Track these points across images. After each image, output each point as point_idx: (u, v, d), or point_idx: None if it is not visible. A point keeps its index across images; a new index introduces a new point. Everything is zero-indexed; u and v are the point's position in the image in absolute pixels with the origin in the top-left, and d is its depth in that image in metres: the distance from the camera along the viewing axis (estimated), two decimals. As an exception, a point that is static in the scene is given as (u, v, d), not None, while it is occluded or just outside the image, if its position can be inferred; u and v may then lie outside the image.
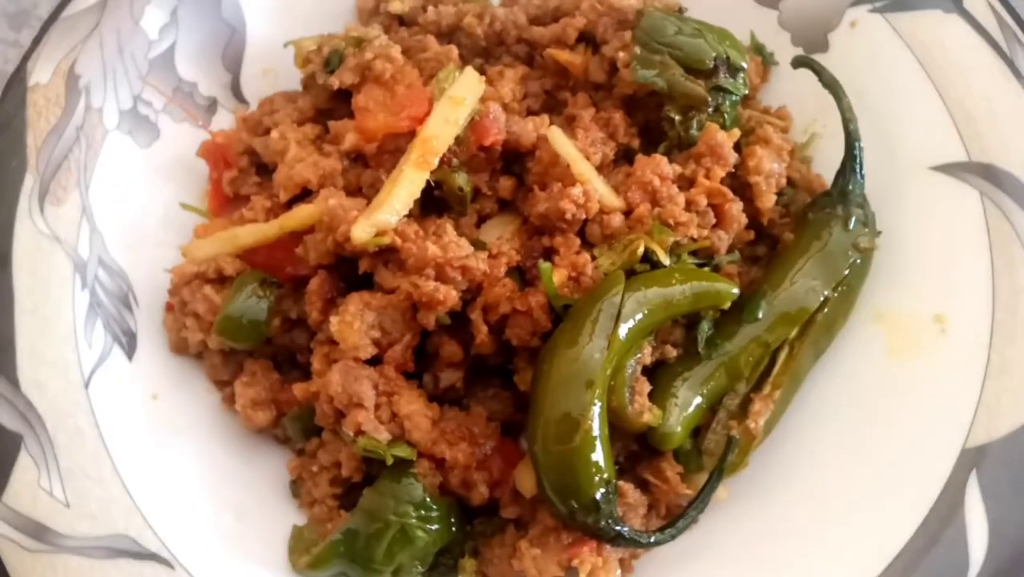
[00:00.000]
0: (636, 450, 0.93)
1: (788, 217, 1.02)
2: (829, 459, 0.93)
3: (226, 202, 1.04)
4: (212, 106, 1.08)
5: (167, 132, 1.04)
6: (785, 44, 1.09)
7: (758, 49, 1.10)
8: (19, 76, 1.01)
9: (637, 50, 0.98)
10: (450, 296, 0.86)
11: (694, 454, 0.93)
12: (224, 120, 1.08)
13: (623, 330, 0.84)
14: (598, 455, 0.82)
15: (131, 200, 1.00)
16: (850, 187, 0.98)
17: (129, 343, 0.95)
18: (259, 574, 0.86)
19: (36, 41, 1.03)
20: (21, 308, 0.91)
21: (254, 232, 0.93)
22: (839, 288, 0.95)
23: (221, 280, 0.95)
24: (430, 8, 1.05)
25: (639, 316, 0.85)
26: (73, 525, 0.83)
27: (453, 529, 0.87)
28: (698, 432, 0.94)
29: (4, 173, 0.96)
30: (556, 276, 0.89)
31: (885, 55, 1.03)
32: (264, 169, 1.03)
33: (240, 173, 1.03)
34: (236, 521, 0.89)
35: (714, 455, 0.92)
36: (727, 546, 0.92)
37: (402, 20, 1.08)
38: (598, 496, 0.81)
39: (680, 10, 1.03)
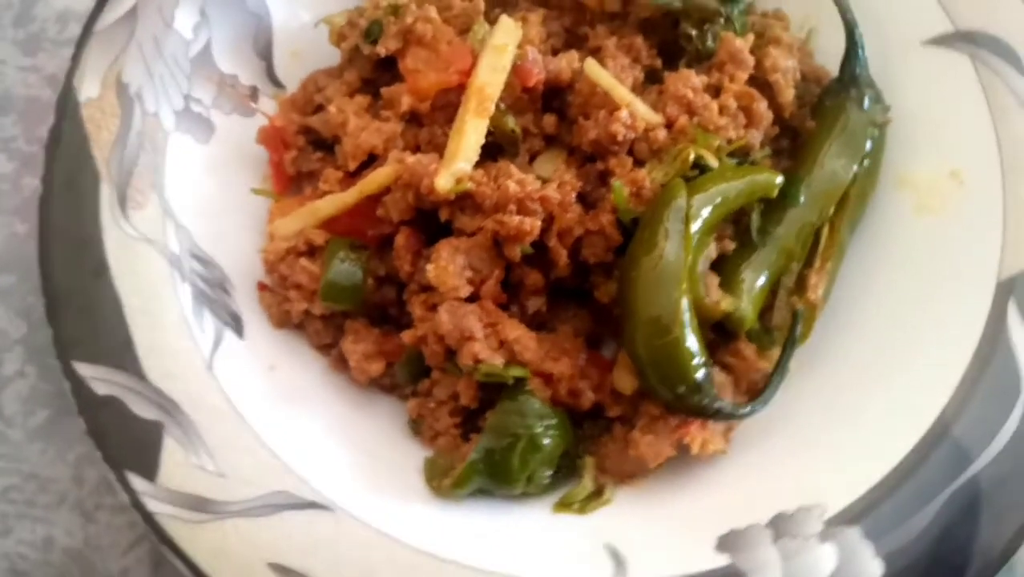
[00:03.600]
0: (712, 339, 1.02)
1: (805, 108, 1.12)
2: (879, 316, 1.04)
3: (289, 181, 1.10)
4: (254, 94, 1.13)
5: (221, 125, 1.09)
6: (772, -55, 1.18)
7: (746, -49, 1.18)
8: (68, 95, 1.05)
9: (650, -25, 1.06)
10: (535, 226, 0.94)
11: (763, 333, 1.03)
12: (265, 106, 1.13)
13: (694, 229, 0.94)
14: (692, 343, 0.92)
15: (204, 193, 1.06)
16: (857, 71, 1.08)
17: (236, 324, 1.01)
18: (404, 503, 0.94)
19: (75, 59, 1.06)
20: (131, 308, 0.97)
21: (335, 202, 1.00)
22: (864, 162, 1.05)
23: (311, 252, 1.01)
24: (444, -36, 1.11)
25: (705, 214, 0.95)
26: (232, 492, 0.90)
27: (569, 434, 0.97)
28: (763, 315, 1.04)
29: (81, 188, 1.00)
30: (625, 192, 0.98)
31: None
32: (321, 144, 1.09)
33: (299, 152, 1.09)
34: (371, 464, 0.97)
35: (783, 329, 1.02)
36: (802, 412, 1.01)
37: (419, -18, 1.13)
38: (699, 377, 0.91)
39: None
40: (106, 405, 0.93)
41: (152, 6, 1.08)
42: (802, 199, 1.04)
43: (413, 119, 1.04)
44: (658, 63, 1.10)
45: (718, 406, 0.93)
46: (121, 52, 1.06)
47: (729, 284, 1.00)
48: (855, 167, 1.05)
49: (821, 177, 1.05)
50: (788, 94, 1.07)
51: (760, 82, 1.07)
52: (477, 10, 1.06)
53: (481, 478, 0.94)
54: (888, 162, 1.09)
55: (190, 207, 1.04)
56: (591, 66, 1.02)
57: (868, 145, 1.06)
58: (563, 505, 0.97)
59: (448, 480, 0.94)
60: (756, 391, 1.00)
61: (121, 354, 0.95)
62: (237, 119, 1.11)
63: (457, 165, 0.94)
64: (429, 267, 0.95)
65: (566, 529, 0.95)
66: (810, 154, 1.07)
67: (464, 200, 0.97)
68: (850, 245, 1.08)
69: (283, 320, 1.03)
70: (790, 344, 0.99)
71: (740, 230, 1.04)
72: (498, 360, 0.93)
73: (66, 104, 1.04)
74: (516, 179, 0.95)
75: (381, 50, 1.02)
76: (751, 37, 1.06)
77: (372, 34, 1.04)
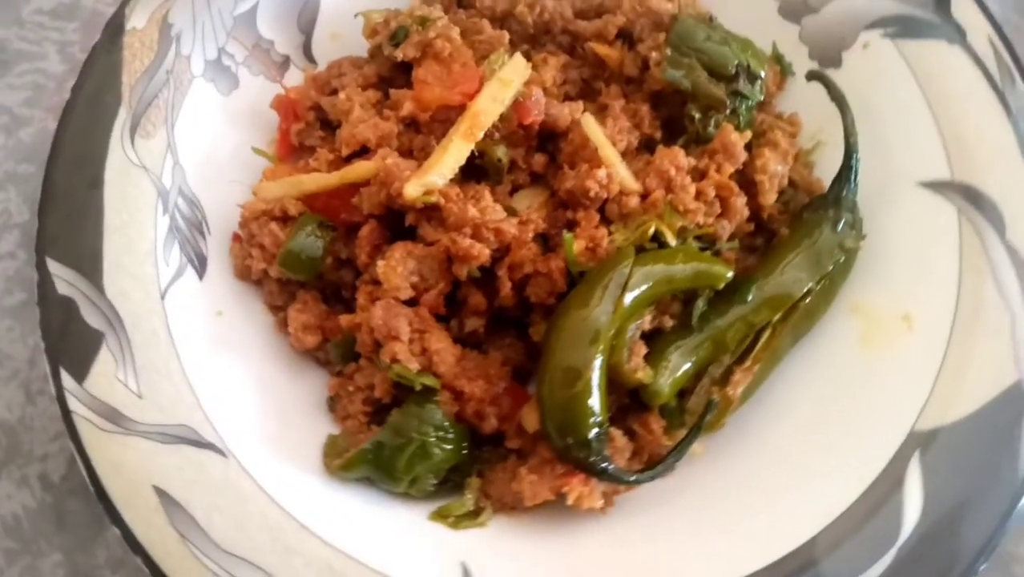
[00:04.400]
0: (628, 404, 1.06)
1: (786, 214, 1.15)
2: (795, 428, 1.06)
3: (291, 150, 1.17)
4: (285, 63, 1.21)
5: (245, 83, 1.17)
6: (803, 57, 1.21)
7: (778, 59, 1.21)
8: (117, 21, 1.14)
9: (668, 51, 1.10)
10: (483, 253, 0.99)
11: (677, 413, 1.07)
12: (294, 77, 1.21)
13: (628, 298, 0.97)
14: (595, 401, 0.96)
15: (210, 140, 1.13)
16: (843, 193, 1.10)
17: (200, 265, 1.09)
18: (295, 470, 1.00)
19: (125, -9, 1.16)
20: (110, 225, 1.05)
21: (317, 180, 1.07)
22: (822, 281, 1.08)
23: (284, 219, 1.08)
24: (483, -7, 1.18)
25: (644, 287, 0.98)
26: (144, 413, 0.98)
27: (464, 452, 1.02)
28: (683, 394, 1.07)
29: (101, 106, 1.09)
30: (575, 245, 1.02)
31: (890, 77, 1.15)
32: (327, 124, 1.16)
33: (307, 126, 1.16)
34: (279, 426, 1.04)
35: (695, 414, 1.05)
36: (697, 493, 1.05)
37: (460, 2, 1.20)
38: (591, 435, 0.95)
39: (710, 19, 1.15)
40: (62, 304, 1.01)
41: (215, -40, 1.16)
42: (750, 298, 1.06)
43: (412, 124, 1.10)
44: (658, 134, 1.14)
45: (603, 466, 0.96)
46: (175, -6, 1.15)
47: (654, 358, 1.04)
48: (812, 283, 1.07)
49: (775, 284, 1.07)
50: (769, 197, 1.10)
51: (747, 178, 1.11)
52: (501, 41, 1.12)
53: (368, 468, 0.99)
54: (849, 286, 1.11)
55: (193, 149, 1.12)
56: (587, 120, 1.07)
57: (831, 266, 1.08)
58: (439, 515, 1.01)
59: (339, 461, 1.00)
60: (652, 463, 1.03)
61: (89, 263, 1.03)
62: (262, 81, 1.19)
63: (429, 177, 1.00)
64: (380, 263, 1.01)
65: (432, 537, 0.99)
66: (772, 259, 1.09)
67: (432, 211, 1.03)
68: (790, 355, 1.10)
69: (244, 273, 1.10)
70: (695, 430, 1.02)
71: (685, 311, 1.07)
72: (414, 365, 0.99)
73: (112, 29, 1.13)
74: (481, 205, 1.01)
75: (399, 54, 1.09)
76: (748, 134, 1.09)
77: (397, 38, 1.11)
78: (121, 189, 1.07)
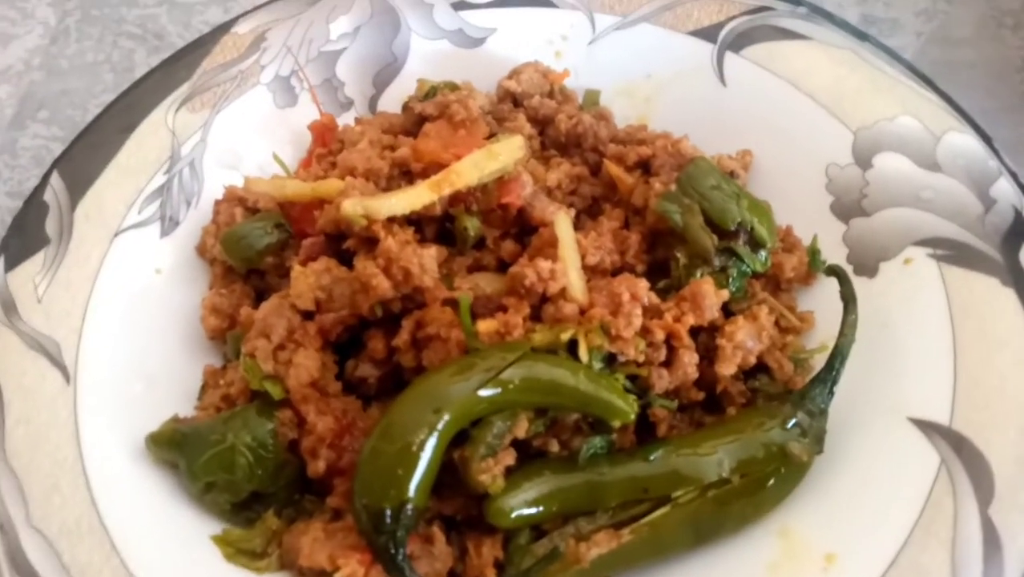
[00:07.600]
0: (477, 519, 0.92)
1: (748, 400, 0.99)
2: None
3: (309, 166, 1.22)
4: (348, 105, 1.28)
5: (302, 105, 1.25)
6: (841, 257, 1.08)
7: (813, 252, 1.09)
8: (228, 24, 1.29)
9: (673, 187, 1.03)
10: (383, 286, 0.94)
11: (523, 550, 0.90)
12: (349, 120, 1.28)
13: (491, 388, 0.86)
14: (413, 474, 0.83)
15: (244, 136, 1.21)
16: (813, 395, 0.94)
17: (169, 227, 1.13)
18: (118, 430, 0.96)
19: (254, 8, 1.31)
20: (116, 162, 1.13)
21: (296, 188, 1.09)
22: (745, 478, 0.89)
23: (254, 211, 1.11)
24: (536, 97, 1.19)
25: (515, 383, 0.87)
26: (31, 316, 1.00)
27: (272, 483, 0.92)
28: (538, 532, 0.91)
29: (173, 77, 1.21)
30: (485, 326, 0.94)
31: (923, 300, 0.99)
32: (345, 154, 1.20)
33: (328, 153, 1.21)
34: (142, 390, 1.01)
35: (534, 557, 0.89)
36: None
37: (515, 100, 1.22)
38: (388, 509, 0.82)
39: (732, 174, 1.07)
40: (38, 207, 1.09)
41: (328, 4, 1.29)
42: (652, 458, 0.91)
43: (408, 174, 1.10)
44: (640, 268, 1.05)
45: (391, 552, 0.82)
46: (281, 20, 1.28)
47: (516, 476, 0.90)
48: (728, 474, 0.89)
49: (690, 458, 0.91)
50: (728, 367, 0.95)
51: (713, 344, 0.97)
52: (521, 132, 1.12)
53: (175, 451, 0.93)
54: (789, 505, 0.91)
55: (224, 136, 1.19)
56: (561, 219, 1.02)
57: (768, 468, 0.90)
58: (222, 539, 0.92)
59: (157, 431, 0.95)
60: (462, 591, 0.87)
61: (80, 185, 1.11)
62: (315, 111, 1.26)
63: (372, 203, 0.98)
64: (297, 267, 0.99)
65: (198, 556, 0.90)
66: (701, 434, 0.94)
67: (372, 243, 1.01)
68: (687, 549, 0.91)
69: (202, 249, 1.13)
70: (521, 573, 0.85)
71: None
72: (268, 366, 0.93)
73: (221, 27, 1.27)
74: (406, 245, 0.96)
75: (418, 107, 1.12)
76: (726, 294, 0.97)
77: (429, 96, 1.14)
78: (144, 140, 1.16)
